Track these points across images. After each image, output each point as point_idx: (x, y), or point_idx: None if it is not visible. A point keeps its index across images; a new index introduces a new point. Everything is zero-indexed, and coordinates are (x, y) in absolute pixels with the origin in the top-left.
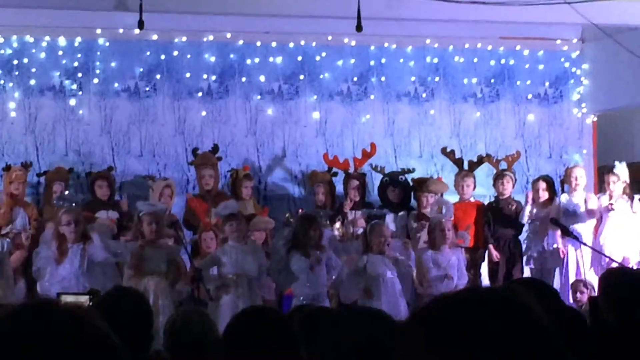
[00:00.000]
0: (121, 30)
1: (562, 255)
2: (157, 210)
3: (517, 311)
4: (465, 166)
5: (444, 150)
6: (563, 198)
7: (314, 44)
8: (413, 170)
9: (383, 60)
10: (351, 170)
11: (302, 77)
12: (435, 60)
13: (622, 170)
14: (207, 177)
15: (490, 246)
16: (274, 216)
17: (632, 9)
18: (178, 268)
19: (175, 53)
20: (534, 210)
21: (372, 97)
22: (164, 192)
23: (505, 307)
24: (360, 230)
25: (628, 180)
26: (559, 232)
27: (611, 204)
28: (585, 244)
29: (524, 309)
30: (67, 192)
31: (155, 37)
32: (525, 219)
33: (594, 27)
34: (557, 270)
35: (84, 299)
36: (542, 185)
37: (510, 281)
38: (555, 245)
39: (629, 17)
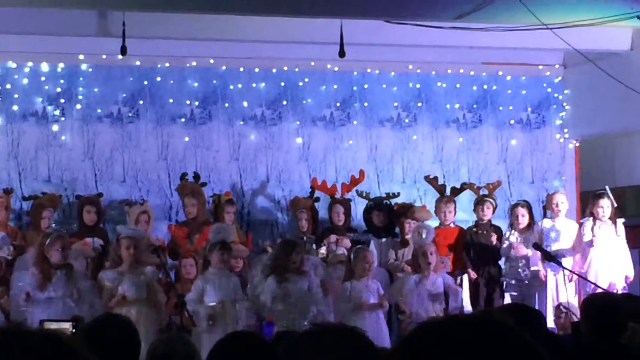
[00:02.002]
0: (104, 56)
1: (542, 279)
2: (136, 235)
3: (504, 334)
4: (448, 192)
5: (427, 178)
6: (546, 224)
7: (296, 69)
8: (398, 195)
9: (366, 86)
10: (338, 195)
11: (285, 102)
12: (418, 85)
13: (610, 194)
14: (189, 206)
15: (469, 269)
16: (257, 242)
17: (613, 34)
18: (154, 294)
19: (158, 79)
20: (514, 238)
21: (355, 122)
22: (140, 218)
23: (492, 330)
24: (340, 251)
25: (615, 205)
26: (539, 257)
27: (593, 239)
28: (567, 269)
29: (511, 332)
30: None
31: (138, 62)
32: (504, 252)
33: (576, 52)
34: (537, 295)
35: (67, 326)
36: (521, 211)
37: (499, 307)
38: (535, 268)
39: (610, 42)
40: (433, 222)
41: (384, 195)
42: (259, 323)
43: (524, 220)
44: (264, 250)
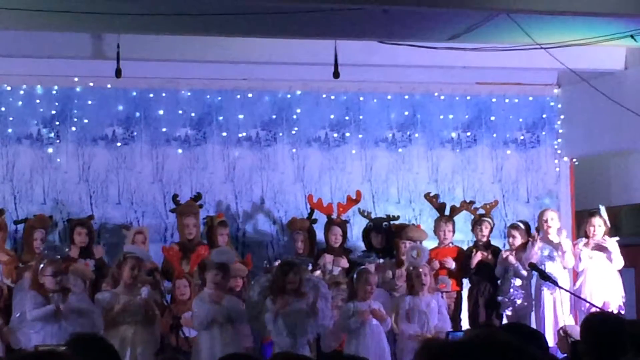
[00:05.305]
0: (99, 78)
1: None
2: (142, 257)
3: (510, 353)
4: (447, 212)
5: (427, 196)
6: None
7: (291, 90)
8: (398, 218)
9: (360, 107)
10: (334, 215)
11: (279, 123)
12: (412, 106)
13: (605, 214)
14: (190, 226)
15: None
16: (253, 263)
17: (607, 54)
18: (151, 315)
19: (153, 100)
20: (511, 257)
21: (349, 143)
22: (136, 238)
23: (496, 349)
24: (336, 271)
25: (609, 225)
26: (536, 277)
27: (585, 269)
28: (564, 289)
29: (517, 351)
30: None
31: (132, 85)
32: (499, 272)
33: (570, 72)
34: (533, 314)
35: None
36: (512, 232)
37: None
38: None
39: (604, 62)
40: (431, 242)
41: (384, 216)
42: (258, 345)
43: (514, 242)
44: (267, 272)
